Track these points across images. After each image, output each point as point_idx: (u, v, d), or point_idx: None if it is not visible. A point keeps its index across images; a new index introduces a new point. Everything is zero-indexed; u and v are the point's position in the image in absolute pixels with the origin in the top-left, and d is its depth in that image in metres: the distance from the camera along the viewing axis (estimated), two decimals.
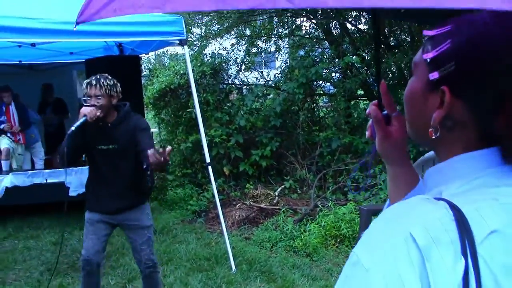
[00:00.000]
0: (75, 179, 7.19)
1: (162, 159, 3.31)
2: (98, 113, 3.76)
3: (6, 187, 6.96)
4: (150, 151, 3.34)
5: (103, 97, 3.80)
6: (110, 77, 3.95)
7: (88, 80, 3.88)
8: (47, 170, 7.53)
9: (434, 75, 0.89)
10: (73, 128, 3.73)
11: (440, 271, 0.75)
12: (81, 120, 3.71)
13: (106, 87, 3.81)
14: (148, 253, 4.10)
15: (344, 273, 0.82)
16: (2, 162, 7.86)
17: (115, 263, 5.86)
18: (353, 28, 9.90)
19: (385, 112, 1.21)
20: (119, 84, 4.00)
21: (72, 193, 7.19)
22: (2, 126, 8.17)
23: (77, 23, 0.98)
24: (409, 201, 0.85)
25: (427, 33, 0.95)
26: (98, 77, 3.88)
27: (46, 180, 7.25)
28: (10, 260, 6.08)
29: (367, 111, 1.22)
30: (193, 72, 8.72)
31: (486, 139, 0.87)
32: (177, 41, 5.82)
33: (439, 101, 0.89)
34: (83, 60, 7.53)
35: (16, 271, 5.78)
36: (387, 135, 1.20)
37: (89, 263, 4.03)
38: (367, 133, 1.27)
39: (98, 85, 3.80)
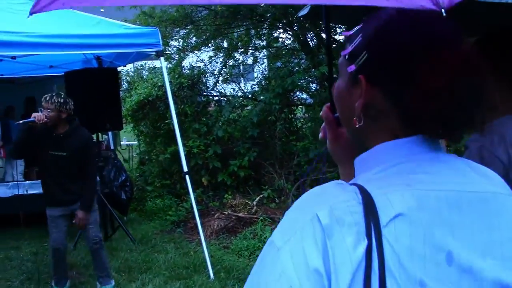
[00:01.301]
0: None
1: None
2: (45, 119, 4.77)
3: None
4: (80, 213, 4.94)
5: (53, 110, 4.82)
6: (63, 96, 5.01)
7: (45, 96, 4.93)
8: (27, 182, 7.58)
9: (352, 68, 0.96)
10: (20, 121, 5.10)
11: (340, 250, 0.79)
12: (29, 119, 4.81)
13: (56, 103, 4.82)
14: (95, 231, 5.12)
15: (261, 252, 0.88)
16: None
17: (94, 272, 5.88)
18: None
19: (337, 114, 1.25)
20: (71, 102, 4.97)
21: None
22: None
23: (30, 14, 1.13)
24: (323, 186, 0.90)
25: (345, 33, 1.03)
26: (53, 94, 4.96)
27: (27, 191, 7.29)
28: None
29: (321, 113, 1.25)
30: (171, 84, 8.82)
31: (410, 128, 0.92)
32: (154, 53, 5.92)
33: (360, 92, 0.94)
34: (61, 74, 7.61)
35: (4, 280, 5.81)
36: (338, 137, 1.22)
37: (58, 251, 5.10)
38: (320, 134, 1.33)
39: (50, 101, 4.83)
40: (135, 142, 12.68)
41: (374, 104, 0.94)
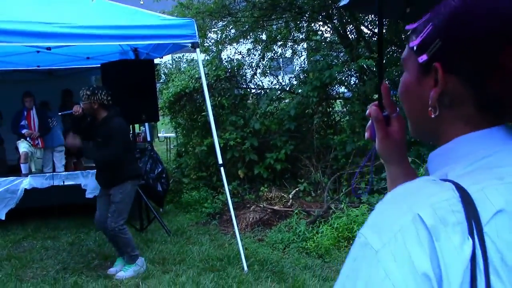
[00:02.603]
0: (91, 182, 7.30)
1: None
2: (80, 110, 5.49)
3: (25, 189, 7.11)
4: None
5: (85, 102, 5.41)
6: (92, 88, 5.50)
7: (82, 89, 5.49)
8: (64, 173, 7.67)
9: (423, 57, 0.91)
10: (60, 113, 6.31)
11: (449, 251, 0.76)
12: (69, 111, 5.66)
13: (85, 95, 5.37)
14: (111, 221, 5.39)
15: (352, 255, 0.83)
16: (21, 165, 8.01)
17: None
18: (368, 32, 9.90)
19: (386, 113, 1.22)
20: (102, 92, 5.43)
21: (88, 195, 7.32)
22: (24, 131, 8.33)
23: None
24: (414, 182, 0.86)
25: (410, 26, 0.99)
26: (85, 88, 5.47)
27: (64, 182, 7.38)
28: (28, 259, 6.20)
29: (367, 112, 1.23)
30: (208, 76, 8.83)
31: (489, 113, 0.89)
32: (190, 44, 5.87)
33: (433, 81, 0.91)
34: (98, 66, 7.67)
35: (33, 269, 5.90)
36: (387, 136, 1.21)
37: (99, 227, 5.74)
38: (366, 134, 1.28)
39: (82, 93, 5.41)
40: (173, 135, 12.74)
41: (449, 91, 0.91)
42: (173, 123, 10.40)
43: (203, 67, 9.64)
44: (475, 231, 0.77)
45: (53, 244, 6.83)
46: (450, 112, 0.92)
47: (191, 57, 12.42)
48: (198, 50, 5.90)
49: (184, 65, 12.40)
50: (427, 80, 0.92)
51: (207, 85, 5.94)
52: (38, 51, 7.10)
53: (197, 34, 5.86)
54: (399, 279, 0.76)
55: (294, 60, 11.71)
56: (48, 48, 6.47)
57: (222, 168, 5.67)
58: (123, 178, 5.46)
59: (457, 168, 0.89)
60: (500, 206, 0.79)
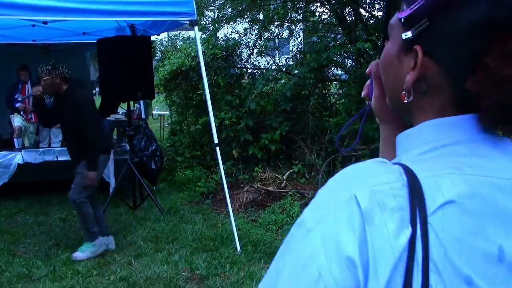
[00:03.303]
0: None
1: None
2: (40, 89, 5.32)
3: (18, 164, 7.07)
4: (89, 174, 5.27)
5: (46, 78, 5.21)
6: (51, 62, 5.31)
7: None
8: (58, 148, 7.61)
9: (407, 34, 0.84)
10: (19, 99, 6.07)
11: (381, 238, 0.70)
12: (29, 94, 5.52)
13: (45, 71, 5.20)
14: (73, 192, 5.31)
15: (290, 232, 0.81)
16: (15, 140, 7.95)
17: (121, 240, 5.91)
18: (367, 14, 9.83)
19: None
20: (62, 66, 5.31)
21: None
22: (18, 105, 8.26)
23: None
24: (363, 163, 0.81)
25: None
26: (42, 64, 5.28)
27: (57, 157, 7.34)
28: (20, 234, 6.19)
29: (368, 69, 1.19)
30: (204, 54, 8.75)
31: (462, 105, 0.82)
32: (188, 22, 5.80)
33: (413, 63, 0.84)
34: (94, 42, 7.59)
35: (26, 245, 5.89)
36: (384, 94, 1.14)
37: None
38: (363, 92, 1.24)
39: (40, 70, 5.22)
40: (167, 112, 12.68)
41: (427, 78, 0.84)
42: (168, 101, 10.34)
43: (202, 45, 9.61)
44: (418, 220, 0.70)
45: (45, 219, 6.81)
46: (424, 99, 0.86)
47: (188, 35, 12.34)
48: (196, 28, 5.83)
49: (179, 43, 12.32)
50: (407, 59, 0.86)
51: (199, 63, 5.87)
52: (33, 25, 7.01)
53: (195, 11, 5.79)
54: (322, 260, 0.72)
55: (291, 41, 11.63)
56: (45, 22, 6.40)
57: (217, 148, 5.64)
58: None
59: (414, 152, 0.84)
60: (451, 197, 0.72)
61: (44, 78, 5.23)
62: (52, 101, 5.57)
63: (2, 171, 6.99)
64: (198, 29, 8.51)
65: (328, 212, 0.75)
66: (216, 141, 5.65)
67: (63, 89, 5.31)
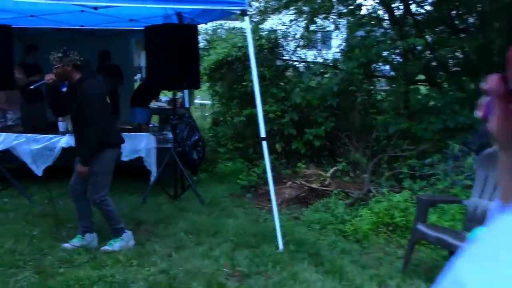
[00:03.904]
0: (127, 145, 7.20)
1: None
2: (53, 77, 5.01)
3: (63, 148, 7.07)
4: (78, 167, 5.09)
5: (57, 66, 4.98)
6: (62, 50, 5.05)
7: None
8: None
9: None
10: (32, 86, 5.48)
11: None
12: (42, 81, 5.15)
13: (57, 58, 4.97)
14: (91, 193, 5.12)
15: None
16: (59, 123, 7.94)
17: (162, 231, 5.83)
18: (418, 9, 9.52)
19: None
20: (72, 53, 5.07)
21: (124, 158, 7.22)
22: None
23: None
24: None
25: None
26: (54, 52, 5.04)
27: None
28: (63, 218, 6.13)
29: (486, 85, 1.00)
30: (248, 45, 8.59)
31: None
32: (239, 11, 5.65)
33: None
34: (141, 28, 7.52)
35: (67, 229, 5.81)
36: (509, 115, 0.99)
37: (72, 191, 5.32)
38: (478, 112, 1.06)
39: (52, 57, 4.99)
40: (208, 102, 12.61)
41: None
42: (211, 90, 10.24)
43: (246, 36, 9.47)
44: None
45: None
46: None
47: (232, 25, 12.20)
48: (247, 18, 5.66)
49: (222, 32, 12.19)
50: None
51: (249, 54, 5.71)
52: (82, 11, 6.97)
53: (247, 1, 5.64)
54: None
55: (337, 35, 11.39)
56: (95, 8, 6.34)
57: (264, 142, 5.48)
58: (101, 146, 5.05)
59: None
60: None
61: (56, 66, 5.01)
62: (64, 93, 5.33)
63: (47, 153, 7.00)
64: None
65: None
66: (263, 134, 5.48)
67: (75, 78, 5.07)
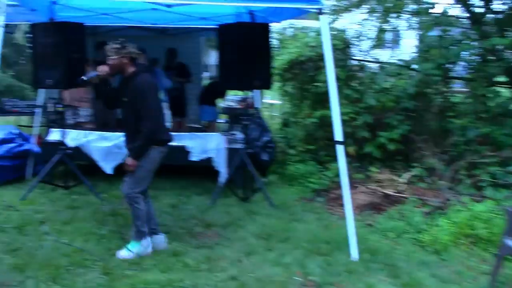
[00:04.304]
0: (198, 144, 7.16)
1: None
2: (106, 69, 4.92)
3: None
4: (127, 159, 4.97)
5: (113, 58, 4.87)
6: (119, 41, 4.90)
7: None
8: (174, 133, 7.54)
9: None
10: (83, 77, 5.15)
11: None
12: (95, 73, 5.00)
13: (113, 50, 4.85)
14: (127, 186, 5.01)
15: None
16: None
17: (231, 234, 5.70)
18: (500, 7, 9.01)
19: None
20: (129, 45, 4.91)
21: (193, 158, 7.18)
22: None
23: None
24: None
25: None
26: (110, 42, 4.92)
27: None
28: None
29: None
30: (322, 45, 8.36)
31: None
32: (316, 10, 5.42)
33: None
34: (212, 27, 7.45)
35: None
36: None
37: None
38: None
39: (108, 49, 4.87)
40: (277, 102, 12.44)
41: None
42: (282, 91, 10.06)
43: (318, 35, 9.22)
44: None
45: (154, 205, 6.69)
46: None
47: (301, 25, 11.95)
48: (323, 17, 5.43)
49: (291, 32, 11.97)
50: None
51: (324, 55, 5.47)
52: (154, 9, 6.95)
53: None
54: None
55: (409, 34, 11.00)
56: (169, 6, 6.30)
57: (340, 146, 5.25)
58: (151, 142, 4.93)
59: None
60: None
61: (112, 57, 4.87)
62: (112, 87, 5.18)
63: (117, 151, 7.02)
64: (317, 19, 8.15)
65: None
66: (340, 138, 5.25)
67: (129, 72, 4.93)
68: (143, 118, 4.79)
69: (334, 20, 10.05)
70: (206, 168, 7.32)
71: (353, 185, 7.27)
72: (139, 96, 4.79)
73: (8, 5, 4.83)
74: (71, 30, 6.68)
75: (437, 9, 9.84)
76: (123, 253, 5.00)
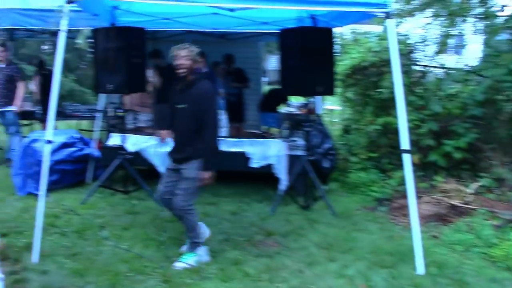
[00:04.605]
0: (259, 151, 7.08)
1: None
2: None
3: None
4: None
5: (187, 59, 4.73)
6: (189, 44, 4.82)
7: (180, 46, 4.80)
8: (232, 139, 7.50)
9: None
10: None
11: None
12: None
13: (192, 52, 4.74)
14: (181, 199, 4.83)
15: None
16: None
17: (292, 244, 5.58)
18: None
19: None
20: (195, 48, 4.79)
21: (254, 164, 7.11)
22: None
23: None
24: None
25: None
26: (185, 44, 4.82)
27: (230, 148, 7.23)
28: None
29: None
30: (386, 50, 8.14)
31: None
32: (382, 14, 5.25)
33: None
34: (272, 31, 7.36)
35: None
36: None
37: (162, 202, 5.14)
38: None
39: (188, 49, 4.73)
40: (337, 108, 12.24)
41: None
42: (343, 96, 9.88)
43: (381, 40, 9.02)
44: None
45: (214, 211, 6.69)
46: None
47: (363, 30, 11.74)
48: (391, 21, 5.24)
49: (352, 36, 11.77)
50: None
51: (391, 60, 5.28)
52: (215, 13, 6.92)
53: (389, 2, 5.22)
54: None
55: (475, 39, 10.61)
56: (231, 10, 6.26)
57: (407, 155, 5.05)
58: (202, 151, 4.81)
59: None
60: None
61: (185, 59, 4.72)
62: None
63: None
64: (378, 23, 7.99)
65: None
66: (407, 146, 5.05)
67: (190, 77, 4.80)
68: (207, 125, 4.73)
69: (398, 25, 9.80)
70: (266, 175, 7.22)
71: (417, 194, 7.02)
72: (204, 102, 4.73)
73: (71, 11, 4.88)
74: (132, 35, 6.74)
75: (506, 12, 9.48)
76: (179, 265, 4.92)
